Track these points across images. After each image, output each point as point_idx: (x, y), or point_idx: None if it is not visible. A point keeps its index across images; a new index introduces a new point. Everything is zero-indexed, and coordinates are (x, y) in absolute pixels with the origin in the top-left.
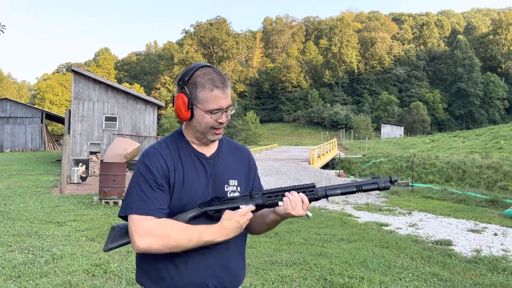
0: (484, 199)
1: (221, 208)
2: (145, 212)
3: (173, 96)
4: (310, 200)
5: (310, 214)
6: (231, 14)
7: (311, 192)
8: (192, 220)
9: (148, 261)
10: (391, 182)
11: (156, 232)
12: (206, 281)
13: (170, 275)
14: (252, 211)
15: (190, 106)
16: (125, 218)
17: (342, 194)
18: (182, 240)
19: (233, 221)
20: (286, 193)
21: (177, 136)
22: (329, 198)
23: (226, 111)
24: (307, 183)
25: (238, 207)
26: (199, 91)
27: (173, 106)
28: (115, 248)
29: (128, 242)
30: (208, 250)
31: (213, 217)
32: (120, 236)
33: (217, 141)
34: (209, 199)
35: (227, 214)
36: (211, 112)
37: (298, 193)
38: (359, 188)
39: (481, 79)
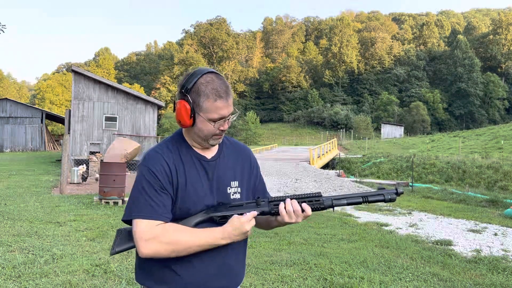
0: (484, 199)
1: (227, 214)
2: (151, 217)
3: (174, 102)
4: (315, 210)
5: None
6: (231, 14)
7: (317, 202)
8: (198, 226)
9: (149, 261)
10: (397, 194)
11: (163, 238)
12: (205, 281)
13: (171, 276)
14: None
15: (192, 114)
16: (128, 222)
17: (348, 204)
18: (189, 244)
19: (238, 227)
20: (284, 202)
21: (178, 138)
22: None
23: (228, 119)
24: (314, 192)
25: (243, 214)
26: (203, 100)
27: (174, 111)
28: (122, 251)
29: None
30: (208, 250)
31: (219, 223)
32: (127, 239)
33: None
34: (213, 203)
35: (234, 218)
36: (213, 121)
37: (302, 202)
38: (365, 199)
39: (481, 79)
